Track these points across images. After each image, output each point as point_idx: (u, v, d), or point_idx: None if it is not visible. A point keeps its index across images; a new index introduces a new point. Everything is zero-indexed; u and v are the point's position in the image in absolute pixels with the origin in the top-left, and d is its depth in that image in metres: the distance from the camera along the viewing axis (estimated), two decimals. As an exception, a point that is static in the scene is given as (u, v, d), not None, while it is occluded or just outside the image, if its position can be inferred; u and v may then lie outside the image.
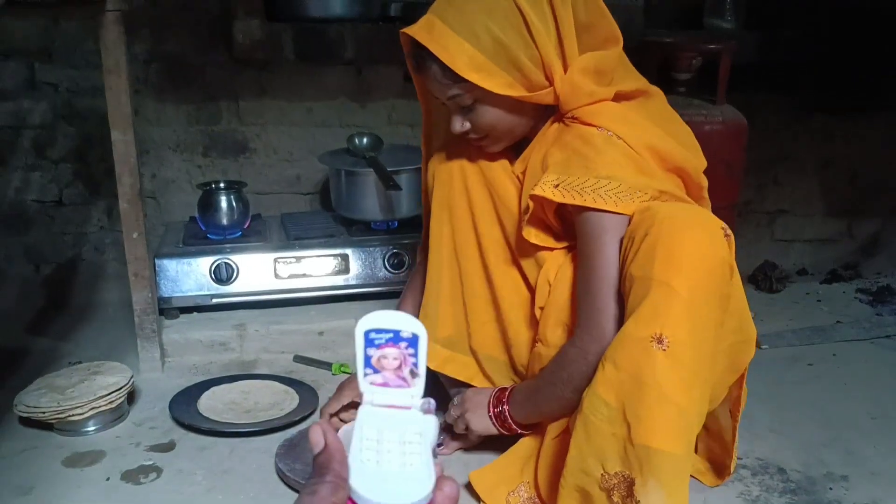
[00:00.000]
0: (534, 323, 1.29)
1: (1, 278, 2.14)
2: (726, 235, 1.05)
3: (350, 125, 2.21)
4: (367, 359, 0.55)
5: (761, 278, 2.28)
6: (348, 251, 1.90)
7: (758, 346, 1.84)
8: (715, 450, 1.30)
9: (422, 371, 0.56)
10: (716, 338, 1.05)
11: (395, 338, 0.55)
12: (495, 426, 1.28)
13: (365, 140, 2.07)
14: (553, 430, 1.21)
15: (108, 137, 1.55)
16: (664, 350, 0.98)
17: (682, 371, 0.99)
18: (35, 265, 2.17)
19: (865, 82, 2.25)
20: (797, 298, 2.21)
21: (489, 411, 1.28)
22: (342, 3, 1.93)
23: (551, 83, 1.16)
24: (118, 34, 1.49)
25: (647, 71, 2.00)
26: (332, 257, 1.89)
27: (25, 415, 1.44)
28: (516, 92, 1.16)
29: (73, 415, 1.44)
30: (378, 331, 0.55)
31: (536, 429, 1.27)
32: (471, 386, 1.38)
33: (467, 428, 1.30)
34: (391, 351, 0.55)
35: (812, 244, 2.50)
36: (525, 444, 1.29)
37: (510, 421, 1.26)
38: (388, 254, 1.89)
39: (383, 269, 1.89)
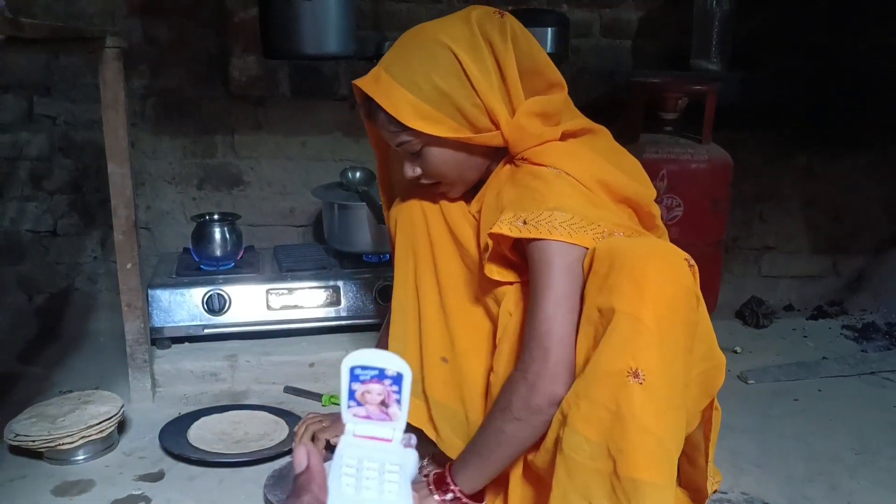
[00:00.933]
0: (490, 367, 1.29)
1: (-7, 307, 2.15)
2: (690, 266, 1.07)
3: (343, 159, 2.24)
4: (352, 392, 0.56)
5: (748, 314, 2.31)
6: (340, 283, 1.92)
7: (744, 380, 1.89)
8: (692, 475, 1.31)
9: (404, 407, 0.57)
10: (686, 365, 1.07)
11: (381, 375, 0.56)
12: None
13: (358, 174, 2.11)
14: (515, 489, 1.21)
15: (104, 169, 1.57)
16: (641, 384, 1.00)
17: (657, 402, 1.01)
18: (28, 294, 2.18)
19: (845, 121, 2.31)
20: (783, 334, 2.24)
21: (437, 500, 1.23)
22: (337, 41, 1.98)
23: (497, 127, 1.20)
24: (117, 70, 1.52)
25: (633, 111, 2.07)
26: (323, 289, 1.91)
27: (15, 443, 1.45)
28: (462, 134, 1.20)
29: (63, 443, 1.44)
30: (364, 367, 0.56)
31: (492, 491, 1.25)
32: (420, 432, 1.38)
33: None
34: (375, 387, 0.56)
35: (798, 280, 2.53)
36: None
37: (464, 498, 1.22)
38: (380, 286, 1.91)
39: (374, 302, 1.91)
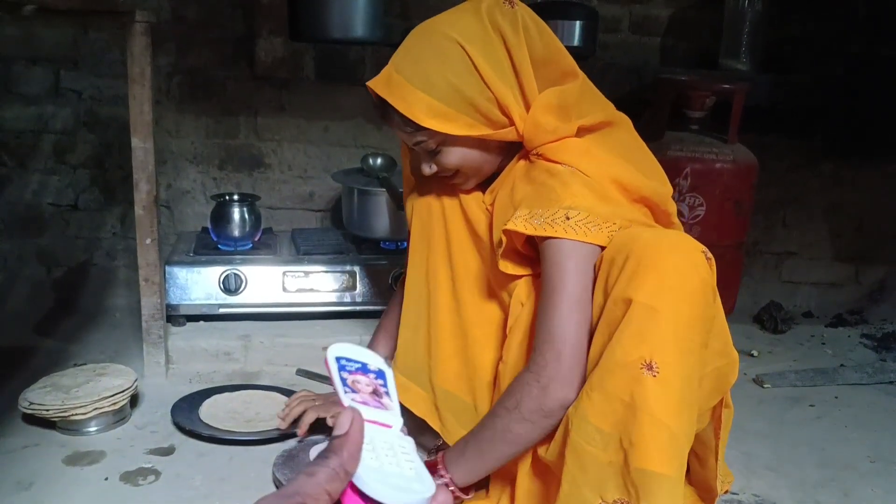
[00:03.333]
0: (500, 357, 1.28)
1: (13, 279, 2.16)
2: (707, 258, 1.06)
3: (365, 145, 2.24)
4: (343, 380, 0.55)
5: (766, 318, 2.28)
6: (356, 268, 1.92)
7: (760, 384, 1.88)
8: (701, 473, 1.30)
9: (394, 397, 0.57)
10: (701, 359, 1.06)
11: (364, 368, 0.56)
12: None
13: (379, 160, 2.10)
14: (522, 483, 1.20)
15: (127, 145, 1.58)
16: (654, 376, 0.99)
17: (671, 394, 1.00)
18: (47, 267, 2.20)
19: (876, 130, 2.27)
20: (802, 340, 2.21)
21: None
22: (364, 26, 1.97)
23: (512, 122, 1.19)
24: (145, 44, 1.53)
25: (659, 108, 2.05)
26: (339, 273, 1.91)
27: (29, 411, 1.46)
28: (477, 131, 1.19)
29: (76, 414, 1.45)
30: (347, 359, 0.56)
31: (482, 486, 1.24)
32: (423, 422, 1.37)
33: None
34: (362, 378, 0.56)
35: (819, 287, 2.51)
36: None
37: (455, 488, 1.20)
38: (396, 273, 1.91)
39: (390, 289, 1.91)
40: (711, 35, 2.28)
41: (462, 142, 1.21)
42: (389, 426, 0.55)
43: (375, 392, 0.56)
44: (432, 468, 1.21)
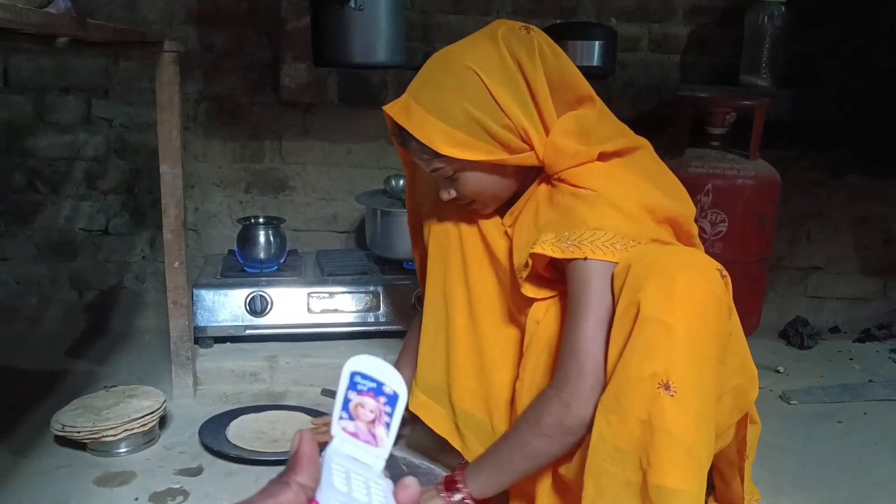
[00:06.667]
0: (516, 376, 1.28)
1: (46, 302, 2.22)
2: (722, 276, 1.06)
3: (387, 167, 2.27)
4: (346, 402, 0.54)
5: (792, 334, 2.26)
6: (380, 289, 1.94)
7: (787, 400, 1.86)
8: (725, 492, 1.29)
9: (392, 433, 0.55)
10: (718, 376, 1.05)
11: (377, 390, 0.54)
12: None
13: (401, 182, 2.12)
14: (542, 500, 1.20)
15: (156, 171, 1.62)
16: (672, 396, 0.99)
17: (689, 412, 1.00)
18: (79, 291, 2.25)
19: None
20: (829, 356, 2.19)
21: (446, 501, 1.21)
22: (386, 51, 2.01)
23: (531, 146, 1.20)
24: (173, 73, 1.57)
25: (680, 125, 2.06)
26: (363, 294, 1.93)
27: (62, 433, 1.49)
28: (496, 157, 1.20)
29: (106, 436, 1.48)
30: (364, 376, 0.54)
31: (517, 501, 1.25)
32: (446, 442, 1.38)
33: None
34: (370, 402, 0.54)
35: (845, 302, 2.48)
36: None
37: (470, 501, 1.19)
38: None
39: (413, 308, 1.93)
40: (731, 51, 2.29)
41: (480, 167, 1.22)
42: (370, 466, 0.54)
43: (375, 421, 0.54)
44: (451, 482, 1.21)
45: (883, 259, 2.46)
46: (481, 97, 1.17)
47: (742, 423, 1.18)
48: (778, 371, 2.03)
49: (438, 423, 1.39)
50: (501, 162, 1.21)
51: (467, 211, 1.34)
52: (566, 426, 1.10)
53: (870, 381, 2.00)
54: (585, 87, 1.23)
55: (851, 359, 2.18)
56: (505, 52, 1.18)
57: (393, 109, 1.23)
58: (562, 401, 1.10)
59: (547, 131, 1.20)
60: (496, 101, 1.17)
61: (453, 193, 1.28)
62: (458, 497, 1.19)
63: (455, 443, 1.37)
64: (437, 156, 1.20)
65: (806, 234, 2.44)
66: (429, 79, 1.22)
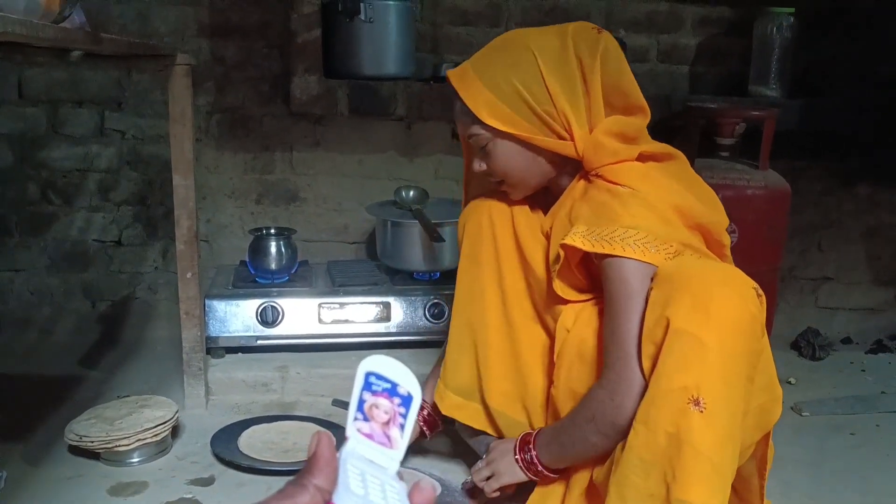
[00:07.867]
0: (550, 381, 1.31)
1: (59, 313, 2.23)
2: (758, 294, 1.06)
3: (398, 178, 2.28)
4: (361, 402, 0.54)
5: (804, 345, 2.25)
6: (390, 299, 1.94)
7: (798, 412, 1.85)
8: None
9: (406, 435, 0.54)
10: (746, 394, 1.05)
11: (392, 391, 0.54)
12: (524, 472, 1.28)
13: (412, 193, 2.14)
14: (577, 484, 1.22)
15: (169, 182, 1.63)
16: (701, 412, 1.00)
17: (717, 430, 1.00)
18: (92, 301, 2.26)
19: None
20: (841, 367, 2.18)
21: (516, 455, 1.29)
22: (395, 62, 2.02)
23: (571, 138, 1.22)
24: (186, 86, 1.59)
25: (689, 136, 2.06)
26: (374, 305, 1.93)
27: (75, 443, 1.50)
28: (532, 135, 1.24)
29: (119, 445, 1.49)
30: (378, 376, 0.54)
31: (564, 474, 1.28)
32: (485, 433, 1.41)
33: (494, 476, 1.31)
34: (384, 403, 0.54)
35: (857, 313, 2.47)
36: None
37: (539, 465, 1.26)
38: (429, 304, 1.93)
39: (424, 319, 1.93)
40: (740, 62, 2.29)
41: (514, 141, 1.25)
42: (385, 468, 0.53)
43: (390, 423, 0.54)
44: (524, 442, 1.28)
45: (894, 269, 2.45)
46: (533, 79, 1.21)
47: (763, 442, 1.18)
48: (789, 382, 2.02)
49: (474, 418, 1.42)
50: (536, 142, 1.23)
51: (504, 207, 1.35)
52: (619, 427, 1.12)
53: (882, 392, 1.99)
54: (640, 98, 1.25)
55: (864, 370, 2.16)
56: (570, 45, 1.22)
57: (452, 71, 1.30)
58: (614, 403, 1.12)
59: (591, 128, 1.23)
60: (546, 86, 1.21)
61: (483, 166, 1.32)
62: (528, 454, 1.27)
63: (493, 434, 1.41)
64: (476, 121, 1.25)
65: (817, 245, 2.43)
66: (490, 50, 1.29)
